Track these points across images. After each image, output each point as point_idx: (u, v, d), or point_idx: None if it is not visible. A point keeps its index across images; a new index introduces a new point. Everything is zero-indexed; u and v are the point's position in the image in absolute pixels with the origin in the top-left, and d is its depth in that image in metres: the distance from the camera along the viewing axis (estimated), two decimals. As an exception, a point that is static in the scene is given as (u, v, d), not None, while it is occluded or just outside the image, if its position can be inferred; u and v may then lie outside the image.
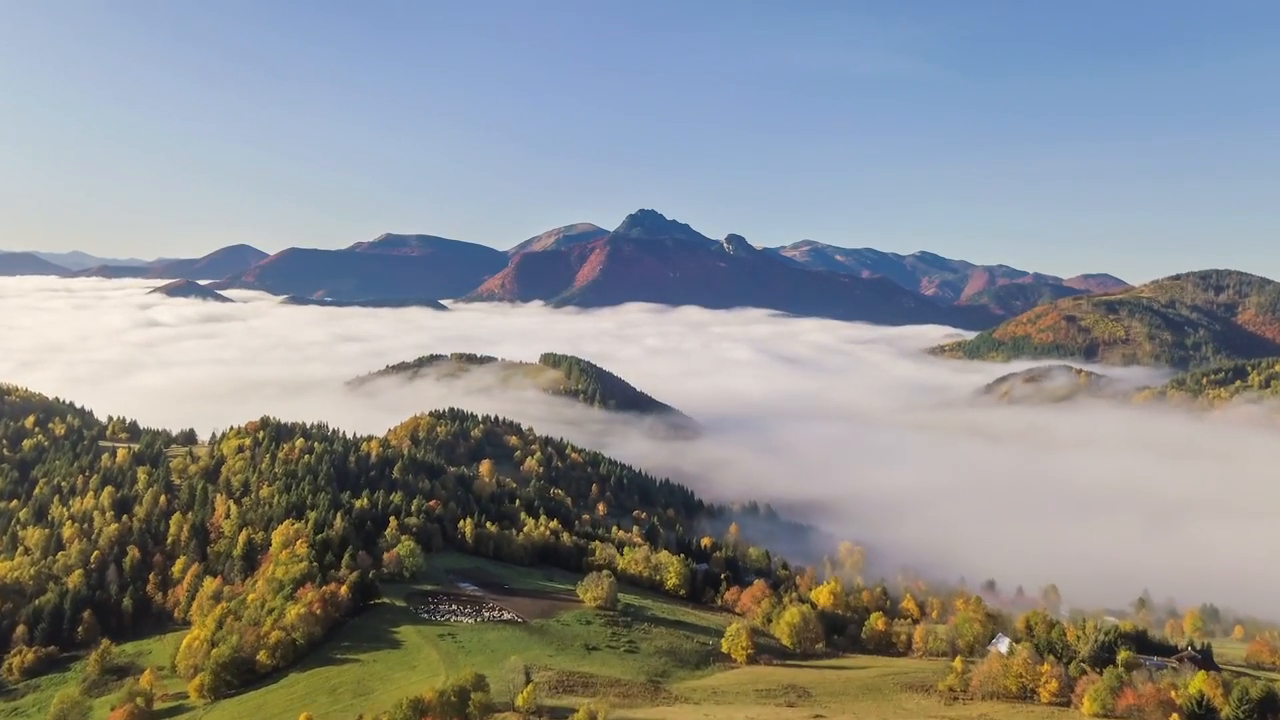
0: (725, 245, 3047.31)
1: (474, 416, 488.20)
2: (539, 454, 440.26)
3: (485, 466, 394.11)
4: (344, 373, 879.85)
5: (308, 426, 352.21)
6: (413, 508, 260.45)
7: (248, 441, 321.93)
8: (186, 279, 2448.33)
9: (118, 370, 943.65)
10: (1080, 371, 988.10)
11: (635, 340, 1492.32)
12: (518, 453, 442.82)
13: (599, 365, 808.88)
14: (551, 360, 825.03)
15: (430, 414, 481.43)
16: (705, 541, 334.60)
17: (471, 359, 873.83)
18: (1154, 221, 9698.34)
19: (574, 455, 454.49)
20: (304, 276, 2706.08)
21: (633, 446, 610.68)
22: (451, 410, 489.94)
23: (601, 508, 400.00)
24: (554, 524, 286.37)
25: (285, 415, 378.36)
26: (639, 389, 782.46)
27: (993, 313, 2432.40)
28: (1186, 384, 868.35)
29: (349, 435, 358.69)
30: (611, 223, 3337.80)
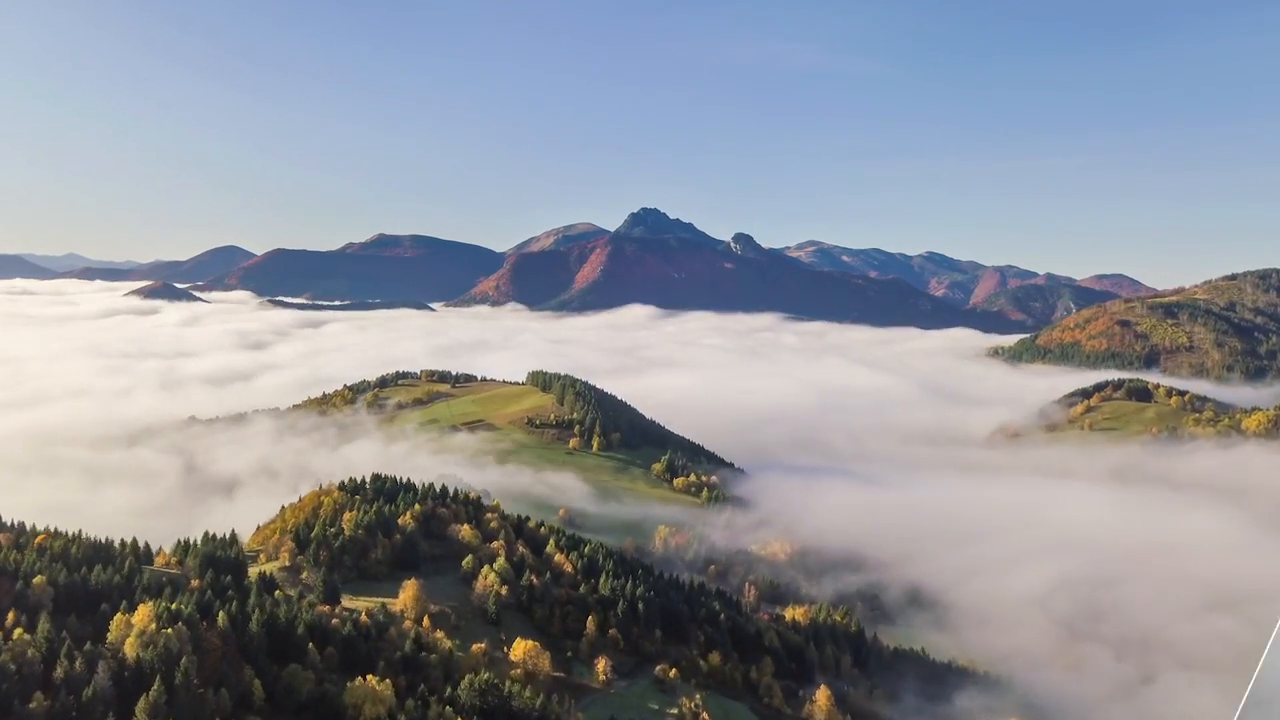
0: (732, 245, 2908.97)
1: (411, 488, 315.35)
2: (502, 558, 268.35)
3: (408, 595, 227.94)
4: (293, 396, 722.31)
5: (51, 560, 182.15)
6: None
7: None
8: (165, 281, 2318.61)
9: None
10: (1159, 387, 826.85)
11: (644, 348, 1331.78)
12: (468, 558, 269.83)
13: (601, 388, 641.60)
14: (540, 380, 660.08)
15: (342, 487, 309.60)
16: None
17: (444, 377, 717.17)
18: (1166, 219, 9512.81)
19: (561, 560, 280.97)
20: (291, 278, 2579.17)
21: (644, 510, 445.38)
22: (376, 481, 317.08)
23: (602, 667, 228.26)
24: None
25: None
26: (649, 416, 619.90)
27: (1009, 316, 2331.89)
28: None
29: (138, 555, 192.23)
30: (612, 222, 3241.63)
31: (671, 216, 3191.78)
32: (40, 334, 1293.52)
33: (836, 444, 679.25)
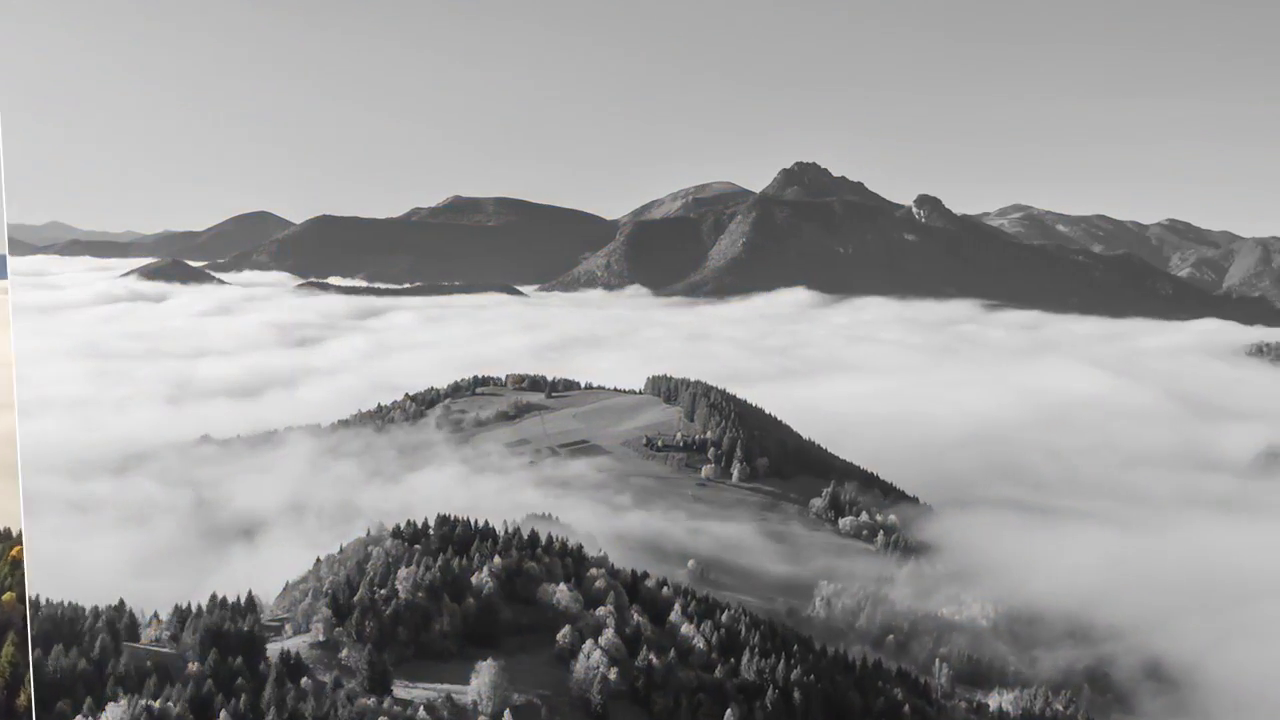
0: (915, 211, 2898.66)
1: (490, 534, 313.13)
2: (611, 630, 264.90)
3: (484, 680, 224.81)
4: (340, 409, 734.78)
5: None
6: None
7: None
8: (175, 258, 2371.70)
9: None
10: None
11: (802, 345, 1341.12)
12: (565, 630, 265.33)
13: (745, 398, 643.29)
14: (664, 389, 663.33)
15: (397, 533, 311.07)
16: None
17: (537, 384, 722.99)
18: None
19: (690, 632, 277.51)
20: (339, 253, 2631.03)
21: (801, 563, 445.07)
22: (442, 525, 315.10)
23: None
24: None
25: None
26: (808, 436, 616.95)
27: (1277, 304, 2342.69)
28: None
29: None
30: (759, 181, 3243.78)
31: (835, 174, 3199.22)
32: (16, 327, 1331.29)
33: (1048, 471, 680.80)
